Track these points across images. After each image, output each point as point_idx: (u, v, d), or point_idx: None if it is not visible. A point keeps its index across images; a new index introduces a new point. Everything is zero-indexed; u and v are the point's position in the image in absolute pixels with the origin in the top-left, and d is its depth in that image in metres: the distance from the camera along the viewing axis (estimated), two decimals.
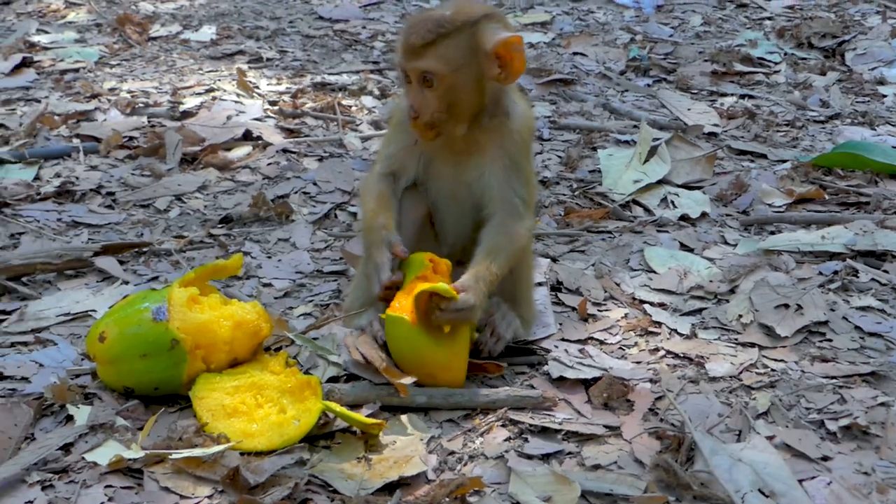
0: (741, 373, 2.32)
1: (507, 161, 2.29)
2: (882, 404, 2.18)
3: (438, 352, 2.16)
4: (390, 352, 2.21)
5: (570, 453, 2.02)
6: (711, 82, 4.40)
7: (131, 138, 3.71)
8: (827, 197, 3.30)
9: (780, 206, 3.23)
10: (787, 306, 2.56)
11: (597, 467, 1.97)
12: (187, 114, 3.93)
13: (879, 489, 1.90)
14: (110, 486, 1.87)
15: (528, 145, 2.37)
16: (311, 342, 2.30)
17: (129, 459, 1.92)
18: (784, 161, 3.58)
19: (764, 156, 3.65)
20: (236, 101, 4.07)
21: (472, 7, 2.25)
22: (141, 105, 4.02)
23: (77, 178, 3.36)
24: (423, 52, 2.18)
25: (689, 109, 4.07)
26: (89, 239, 2.95)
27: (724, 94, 4.26)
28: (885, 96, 4.32)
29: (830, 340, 2.46)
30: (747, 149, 3.70)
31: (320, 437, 2.04)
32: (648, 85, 4.41)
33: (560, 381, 2.25)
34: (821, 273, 2.76)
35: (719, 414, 2.15)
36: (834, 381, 2.28)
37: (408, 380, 2.10)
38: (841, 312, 2.56)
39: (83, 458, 1.94)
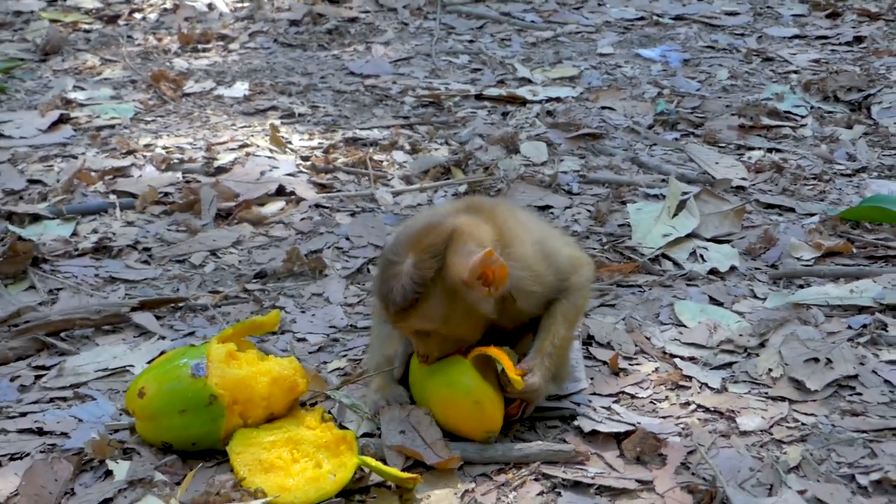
0: (772, 427, 2.33)
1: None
2: None
3: (487, 402, 2.19)
4: (416, 396, 2.26)
5: None
6: (739, 136, 4.42)
7: (167, 194, 3.78)
8: (855, 250, 3.31)
9: (808, 260, 3.25)
10: (816, 360, 2.57)
11: None
12: (221, 169, 4.00)
13: None
14: None
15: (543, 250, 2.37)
16: (346, 399, 2.33)
17: None
18: (812, 214, 3.60)
19: (792, 209, 3.67)
20: (269, 157, 4.14)
21: (434, 233, 2.16)
22: (176, 161, 4.09)
23: (114, 233, 3.42)
24: (405, 315, 2.13)
25: (716, 163, 4.10)
26: (126, 294, 3.00)
27: (751, 148, 4.29)
28: None
29: (860, 394, 2.47)
30: (775, 202, 3.72)
31: (356, 491, 2.07)
32: (676, 139, 4.44)
33: (592, 436, 2.27)
34: (850, 327, 2.78)
35: (750, 468, 2.16)
36: (864, 434, 2.29)
37: (455, 463, 2.14)
38: (870, 366, 2.57)
39: None
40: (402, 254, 2.14)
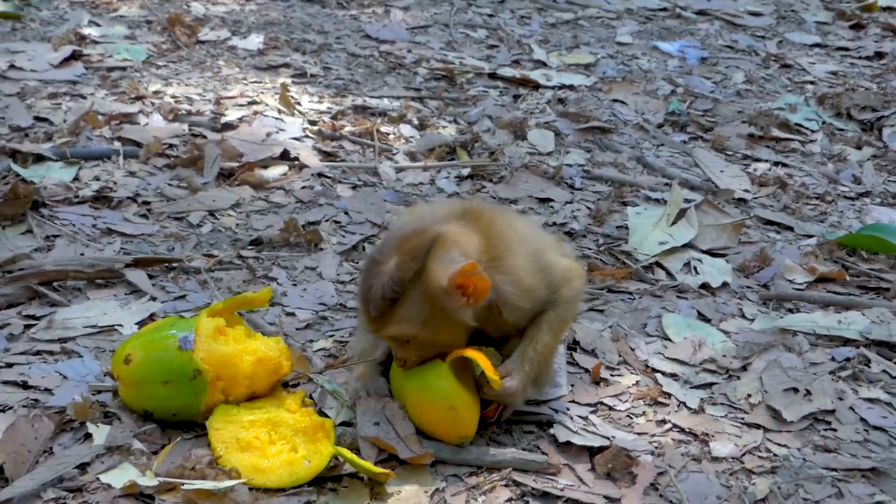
0: (744, 455, 2.36)
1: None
2: (878, 503, 2.22)
3: (462, 408, 2.21)
4: (394, 393, 2.29)
5: None
6: (747, 145, 4.43)
7: (171, 146, 3.78)
8: (848, 278, 3.33)
9: (800, 284, 3.27)
10: (796, 390, 2.60)
11: None
12: (228, 126, 4.00)
13: None
14: None
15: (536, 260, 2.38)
16: (329, 384, 2.36)
17: (143, 486, 1.98)
18: (810, 236, 3.61)
19: (790, 228, 3.69)
20: (277, 118, 4.13)
21: (420, 237, 2.16)
22: (183, 112, 4.09)
23: (115, 182, 3.43)
24: (383, 321, 2.14)
25: (721, 171, 4.11)
26: (122, 248, 3.02)
27: (757, 160, 4.29)
28: None
29: (835, 430, 2.50)
30: (775, 219, 3.73)
31: (328, 479, 2.09)
32: (684, 141, 4.44)
33: (566, 446, 2.30)
34: (833, 359, 2.80)
35: (718, 496, 2.19)
36: (834, 473, 2.32)
37: (427, 459, 2.16)
38: (848, 402, 2.59)
39: (98, 479, 2.00)
40: (387, 254, 2.15)
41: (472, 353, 2.22)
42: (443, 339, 2.21)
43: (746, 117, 4.72)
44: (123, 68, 4.57)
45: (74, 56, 4.60)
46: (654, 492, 2.19)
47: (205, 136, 3.86)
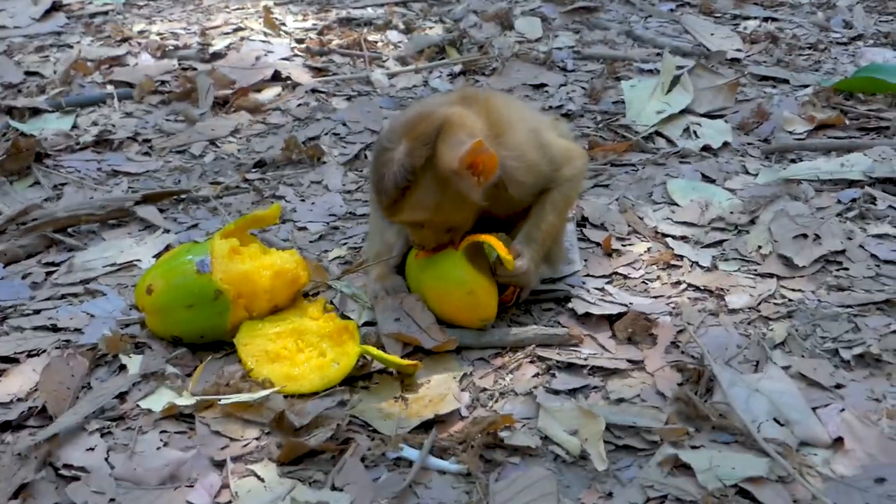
0: (759, 304, 2.40)
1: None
2: (895, 332, 2.26)
3: (480, 291, 2.26)
4: (412, 288, 2.34)
5: (595, 387, 2.12)
6: (735, 5, 4.41)
7: (163, 82, 3.80)
8: (848, 122, 3.34)
9: (801, 134, 3.28)
10: (805, 236, 2.63)
11: (620, 401, 2.07)
12: (217, 55, 4.01)
13: (889, 415, 1.99)
14: (165, 432, 1.99)
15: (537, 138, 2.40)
16: (347, 288, 2.41)
17: (181, 406, 2.04)
18: (806, 86, 3.62)
19: (786, 81, 3.69)
20: (263, 41, 4.14)
21: (426, 122, 2.18)
22: (171, 48, 4.10)
23: (113, 125, 3.46)
24: (397, 208, 2.17)
25: (711, 34, 4.10)
26: (129, 188, 3.06)
27: (747, 18, 4.28)
28: None
29: (847, 269, 2.54)
30: (769, 74, 3.73)
31: (359, 378, 2.15)
32: (672, 10, 4.43)
33: (585, 318, 2.34)
34: (839, 201, 2.83)
35: (738, 345, 2.24)
36: (849, 309, 2.36)
37: (451, 346, 2.21)
38: (858, 241, 2.63)
39: (138, 406, 2.06)
40: (395, 140, 2.18)
41: (485, 237, 2.26)
42: (456, 219, 2.25)
43: None
44: (105, 13, 4.58)
45: (55, 7, 4.62)
46: (676, 349, 2.24)
47: (195, 69, 3.88)
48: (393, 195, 2.15)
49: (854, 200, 2.83)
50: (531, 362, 2.21)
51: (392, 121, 2.35)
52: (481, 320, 2.27)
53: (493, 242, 2.26)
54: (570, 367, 2.18)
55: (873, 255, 2.58)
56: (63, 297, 2.51)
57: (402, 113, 2.38)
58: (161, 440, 1.97)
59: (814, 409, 2.01)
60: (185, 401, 2.05)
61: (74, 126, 3.46)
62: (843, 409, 2.00)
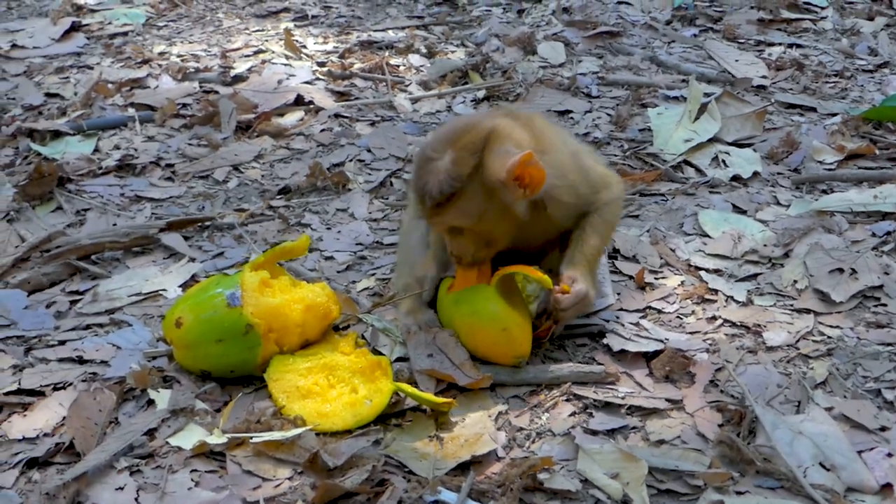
0: (798, 341, 2.36)
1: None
2: None
3: (514, 328, 2.21)
4: (444, 324, 2.29)
5: (634, 428, 2.08)
6: (758, 31, 4.38)
7: (185, 105, 3.77)
8: (878, 152, 3.31)
9: (831, 163, 3.25)
10: (841, 271, 2.59)
11: (661, 442, 2.02)
12: (238, 78, 3.98)
13: None
14: (195, 471, 1.95)
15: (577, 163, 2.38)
16: (378, 322, 2.37)
17: (212, 444, 2.00)
18: (834, 114, 3.58)
19: (813, 109, 3.65)
20: (285, 64, 4.11)
21: (473, 132, 2.17)
22: (192, 70, 4.07)
23: (136, 149, 3.43)
24: (441, 211, 2.14)
25: (736, 61, 4.07)
26: (153, 214, 3.02)
27: (771, 44, 4.25)
28: None
29: (885, 305, 2.50)
30: (796, 102, 3.70)
31: (392, 415, 2.11)
32: (695, 35, 4.39)
33: (621, 354, 2.30)
34: (874, 234, 2.79)
35: (778, 385, 2.20)
36: (890, 347, 2.32)
37: (486, 382, 2.17)
38: (895, 276, 2.59)
39: (167, 443, 2.02)
40: (440, 150, 2.16)
41: (516, 268, 2.23)
42: (497, 231, 2.22)
43: (754, 2, 4.66)
44: (125, 33, 4.55)
45: (74, 27, 4.58)
46: (715, 388, 2.20)
47: (217, 92, 3.85)
48: (438, 199, 2.13)
49: (889, 234, 2.79)
50: (567, 400, 2.17)
51: (435, 132, 2.33)
52: (516, 357, 2.23)
53: (526, 270, 2.22)
54: (607, 406, 2.14)
55: None
56: (88, 327, 2.47)
57: (446, 124, 2.37)
58: (192, 480, 1.93)
59: (859, 452, 1.96)
60: (216, 439, 2.01)
61: (96, 150, 3.43)
62: (889, 454, 1.96)
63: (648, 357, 2.29)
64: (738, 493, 1.86)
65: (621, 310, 2.49)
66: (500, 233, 2.24)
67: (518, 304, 2.27)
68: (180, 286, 2.62)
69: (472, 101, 3.80)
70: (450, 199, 2.13)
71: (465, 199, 2.14)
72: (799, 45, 4.24)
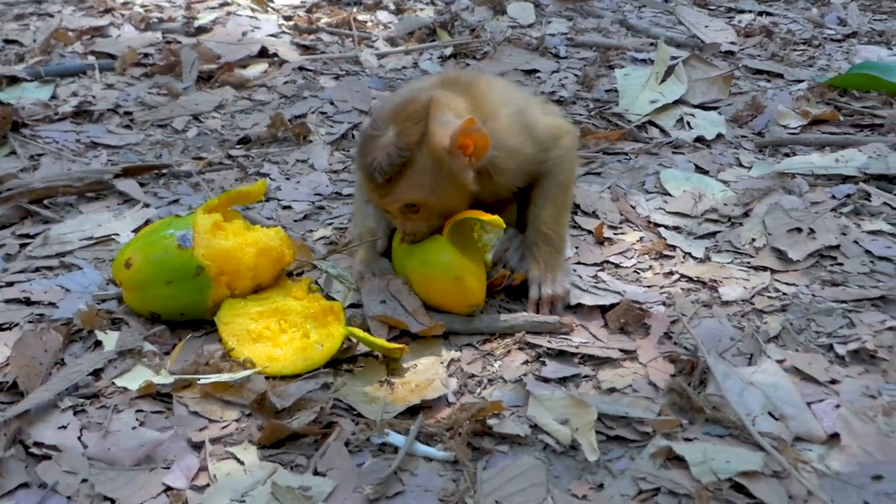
0: (753, 297, 2.36)
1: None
2: (890, 328, 2.21)
3: (467, 276, 2.19)
4: (398, 274, 2.27)
5: (586, 376, 2.07)
6: None
7: (146, 55, 3.72)
8: (842, 118, 3.30)
9: (794, 128, 3.24)
10: (799, 230, 2.59)
11: (612, 390, 2.01)
12: (202, 29, 3.93)
13: (885, 412, 1.94)
14: (141, 411, 1.92)
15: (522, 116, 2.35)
16: (332, 269, 2.34)
17: (159, 385, 1.97)
18: (800, 81, 3.58)
19: (780, 75, 3.65)
20: (251, 17, 4.06)
21: (413, 104, 2.13)
22: (155, 20, 4.02)
23: (94, 97, 3.37)
24: (392, 187, 2.10)
25: (706, 27, 4.05)
26: (109, 160, 2.98)
27: (741, 11, 4.23)
28: None
29: (841, 264, 2.49)
30: (764, 68, 3.69)
31: (343, 361, 2.09)
32: (666, 0, 4.37)
33: (577, 307, 2.29)
34: (833, 196, 2.79)
35: (731, 338, 2.19)
36: (844, 305, 2.32)
37: (439, 330, 2.15)
38: (852, 236, 2.58)
39: (113, 384, 1.99)
40: (382, 127, 2.12)
41: (466, 213, 2.20)
42: (450, 203, 2.18)
43: None
44: None
45: None
46: (669, 340, 2.19)
47: (179, 42, 3.80)
48: (388, 172, 2.09)
49: (849, 196, 2.79)
50: (520, 349, 2.15)
51: (374, 110, 2.29)
52: (469, 306, 2.21)
53: (476, 214, 2.20)
54: (560, 356, 2.13)
55: (868, 252, 2.53)
56: (37, 269, 2.43)
57: (384, 101, 2.32)
58: (137, 420, 1.90)
59: (808, 403, 1.96)
60: (163, 379, 1.98)
61: (53, 96, 3.38)
62: (838, 405, 1.95)
63: (604, 310, 2.28)
64: (687, 439, 1.85)
65: (579, 263, 2.47)
66: (454, 204, 2.21)
67: (472, 253, 2.25)
68: (133, 231, 2.58)
69: (438, 58, 3.77)
70: (400, 173, 2.10)
71: (415, 171, 2.11)
72: (769, 13, 4.23)
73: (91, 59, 3.66)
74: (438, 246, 2.20)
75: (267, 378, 2.02)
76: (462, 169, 2.14)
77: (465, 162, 2.13)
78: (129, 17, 4.00)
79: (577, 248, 2.53)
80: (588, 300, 2.29)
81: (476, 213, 2.20)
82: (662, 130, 3.23)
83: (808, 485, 1.73)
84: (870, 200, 2.77)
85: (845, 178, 2.90)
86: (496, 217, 2.18)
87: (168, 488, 1.72)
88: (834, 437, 1.87)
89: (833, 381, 2.04)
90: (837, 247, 2.54)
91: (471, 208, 2.26)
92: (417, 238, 2.22)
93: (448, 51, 3.79)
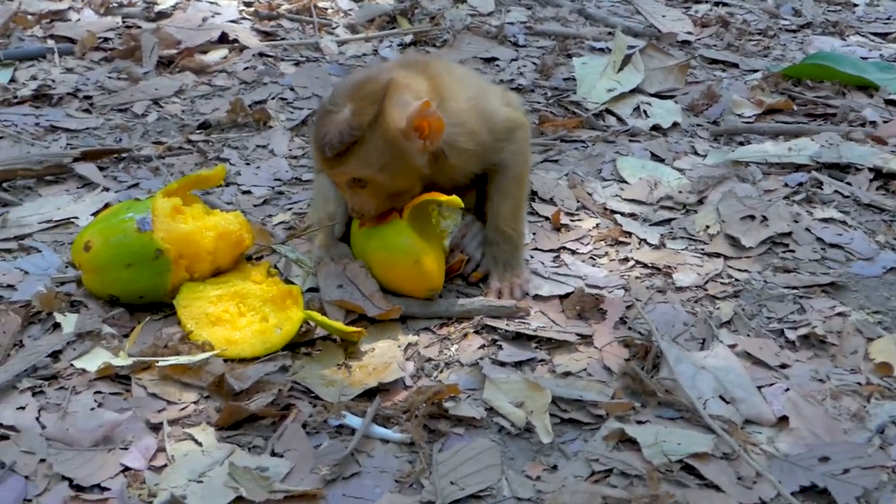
0: (707, 283, 2.40)
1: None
2: (839, 314, 2.27)
3: (426, 260, 2.21)
4: (357, 258, 2.29)
5: (541, 360, 2.10)
6: None
7: (106, 39, 3.71)
8: (795, 108, 3.36)
9: (749, 117, 3.29)
10: (752, 217, 2.64)
11: (567, 374, 2.05)
12: (162, 14, 3.92)
13: (833, 395, 1.99)
14: (99, 392, 1.93)
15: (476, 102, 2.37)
16: (291, 253, 2.36)
17: (117, 366, 1.98)
18: (755, 71, 3.63)
19: (735, 65, 3.70)
20: (211, 2, 4.05)
21: (372, 83, 2.16)
22: (115, 5, 4.00)
23: (53, 80, 3.36)
24: (341, 161, 2.12)
25: (663, 16, 4.09)
26: (68, 144, 2.97)
27: (698, 2, 4.29)
28: (856, 5, 4.36)
29: (793, 251, 2.54)
30: (719, 58, 3.74)
31: (301, 344, 2.11)
32: None
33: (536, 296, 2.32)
34: (786, 185, 2.84)
35: (685, 323, 2.23)
36: (795, 291, 2.37)
37: (396, 314, 2.17)
38: (804, 224, 2.64)
39: (72, 365, 2.00)
40: (340, 103, 2.14)
41: (424, 196, 2.23)
42: (399, 184, 2.20)
43: None
44: None
45: None
46: (623, 325, 2.23)
47: (139, 27, 3.79)
48: (337, 149, 2.11)
49: (801, 184, 2.84)
50: (477, 333, 2.18)
51: (334, 87, 2.31)
52: (428, 290, 2.23)
53: (434, 196, 2.22)
54: (517, 339, 2.16)
55: (819, 239, 2.59)
56: None
57: (344, 79, 2.34)
58: (95, 401, 1.91)
59: (759, 387, 2.00)
60: (122, 362, 1.99)
61: (12, 80, 3.36)
62: (787, 389, 2.00)
63: (561, 296, 2.31)
64: (639, 422, 1.89)
65: (536, 249, 2.50)
66: (404, 184, 2.23)
67: (431, 237, 2.27)
68: (93, 215, 2.57)
69: (398, 45, 3.78)
70: (350, 149, 2.12)
71: (366, 149, 2.13)
72: (725, 4, 4.29)
73: (51, 42, 3.64)
74: (398, 230, 2.22)
75: (225, 361, 2.03)
76: (415, 151, 2.16)
77: (420, 144, 2.16)
78: (88, 1, 3.97)
79: (534, 234, 2.56)
80: (546, 290, 2.32)
81: (434, 194, 2.23)
82: (619, 119, 3.26)
83: (756, 466, 1.78)
84: (822, 189, 2.82)
85: (798, 167, 2.95)
86: (454, 197, 2.21)
87: (126, 468, 1.73)
88: (783, 420, 1.92)
89: (783, 366, 2.09)
90: (789, 234, 2.59)
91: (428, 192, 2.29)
92: (366, 217, 2.24)
93: (408, 38, 3.80)
